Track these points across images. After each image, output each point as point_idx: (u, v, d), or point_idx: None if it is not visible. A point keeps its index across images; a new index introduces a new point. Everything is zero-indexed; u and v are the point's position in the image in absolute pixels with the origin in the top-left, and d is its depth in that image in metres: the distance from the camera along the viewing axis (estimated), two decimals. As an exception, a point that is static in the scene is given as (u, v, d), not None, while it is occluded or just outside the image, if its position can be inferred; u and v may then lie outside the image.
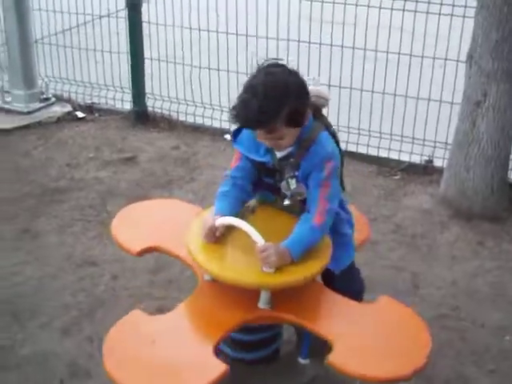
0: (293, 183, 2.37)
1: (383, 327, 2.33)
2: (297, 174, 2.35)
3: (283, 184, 2.40)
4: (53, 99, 5.36)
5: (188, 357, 2.16)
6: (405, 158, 4.55)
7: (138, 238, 2.65)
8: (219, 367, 2.08)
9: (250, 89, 2.21)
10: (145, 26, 5.07)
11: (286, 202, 2.43)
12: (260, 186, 2.51)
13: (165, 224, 2.76)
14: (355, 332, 2.28)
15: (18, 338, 2.96)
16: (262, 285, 2.26)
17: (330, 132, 2.44)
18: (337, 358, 2.12)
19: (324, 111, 2.51)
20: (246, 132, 2.39)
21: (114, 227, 2.73)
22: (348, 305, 2.39)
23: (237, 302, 2.34)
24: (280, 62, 2.31)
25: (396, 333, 2.30)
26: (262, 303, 2.31)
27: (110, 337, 2.21)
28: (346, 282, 2.53)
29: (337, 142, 2.46)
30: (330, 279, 2.52)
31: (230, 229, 2.37)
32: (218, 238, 2.37)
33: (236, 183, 2.43)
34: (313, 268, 2.30)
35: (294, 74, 2.27)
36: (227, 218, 2.32)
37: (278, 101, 2.18)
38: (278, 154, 2.35)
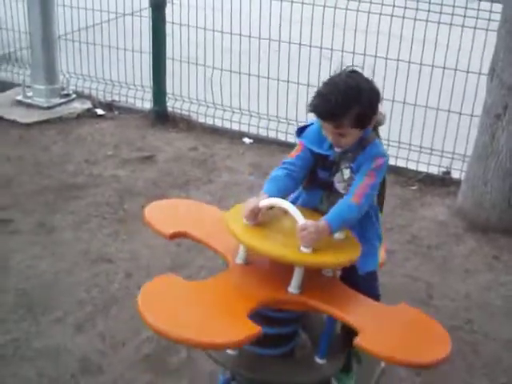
0: (347, 173, 2.51)
1: (406, 322, 2.40)
2: (352, 165, 2.49)
3: (337, 175, 2.54)
4: (73, 95, 5.41)
5: (223, 314, 2.23)
6: (423, 168, 4.55)
7: (170, 224, 2.70)
8: (254, 327, 2.13)
9: (332, 84, 2.41)
10: (167, 26, 5.09)
11: (342, 190, 2.54)
12: (313, 183, 2.62)
13: (195, 215, 2.84)
14: (381, 322, 2.35)
15: (32, 331, 2.98)
16: (298, 261, 2.31)
17: None
18: (364, 340, 2.17)
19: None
20: (312, 129, 2.55)
21: (147, 213, 2.76)
22: (372, 301, 2.46)
23: (268, 283, 2.39)
24: (358, 69, 2.52)
25: (419, 328, 2.36)
26: (293, 287, 2.35)
27: (142, 293, 2.24)
28: (368, 284, 2.62)
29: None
30: (353, 281, 2.57)
31: (271, 214, 2.45)
32: (260, 220, 2.44)
33: (290, 171, 2.55)
34: (346, 255, 2.39)
35: (371, 82, 2.45)
36: (271, 198, 2.40)
37: (352, 100, 2.36)
38: (338, 150, 2.50)
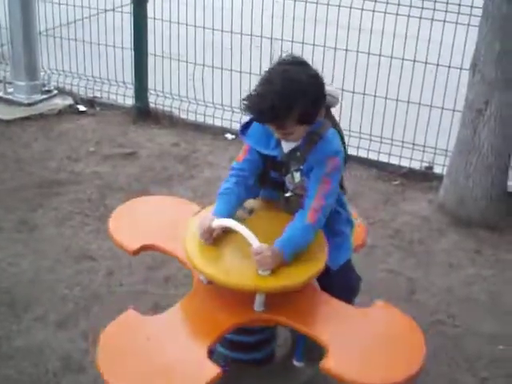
0: (297, 176, 2.38)
1: (378, 332, 2.33)
2: (302, 167, 2.37)
3: (288, 177, 2.42)
4: (54, 91, 5.37)
5: (182, 358, 2.16)
6: (405, 163, 4.55)
7: (135, 237, 2.64)
8: (213, 370, 2.08)
9: (267, 83, 2.23)
10: (149, 21, 5.07)
11: (288, 194, 2.44)
12: (266, 183, 2.53)
13: (162, 221, 2.76)
14: (350, 337, 2.28)
15: (13, 329, 2.97)
16: (258, 288, 2.26)
17: (337, 130, 2.46)
18: (331, 364, 2.12)
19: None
20: (255, 126, 2.40)
21: (111, 225, 2.72)
22: (343, 308, 2.39)
23: (232, 304, 2.34)
24: (301, 59, 2.33)
25: (390, 338, 2.31)
26: (258, 306, 2.31)
27: (104, 335, 2.21)
28: (342, 277, 2.54)
29: (343, 141, 2.48)
30: (327, 274, 2.48)
31: (227, 230, 2.36)
32: (215, 238, 2.37)
33: (240, 179, 2.44)
34: (309, 271, 2.30)
35: (313, 75, 2.28)
36: (224, 219, 2.32)
37: (292, 99, 2.19)
38: (285, 148, 2.37)
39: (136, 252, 2.60)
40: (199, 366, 2.10)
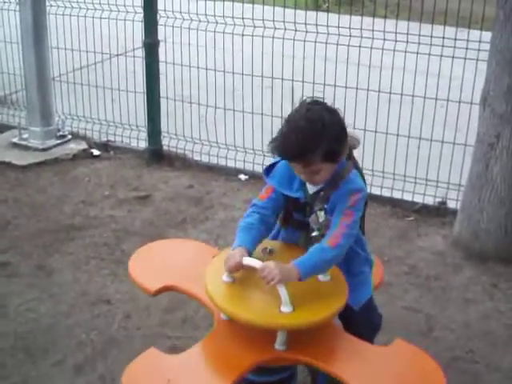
0: (322, 215, 2.42)
1: (397, 369, 2.33)
2: (326, 206, 2.41)
3: (312, 217, 2.45)
4: (69, 136, 5.43)
5: None
6: (418, 199, 4.56)
7: (155, 277, 2.66)
8: None
9: (291, 123, 2.32)
10: (160, 64, 5.13)
11: (314, 234, 2.45)
12: (289, 223, 2.55)
13: (181, 263, 2.79)
14: (371, 375, 2.28)
15: (32, 375, 2.97)
16: (278, 326, 2.26)
17: (359, 172, 2.54)
18: None
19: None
20: (279, 167, 2.47)
21: (130, 267, 2.74)
22: (364, 347, 2.39)
23: (253, 342, 2.34)
24: (320, 100, 2.42)
25: (411, 377, 2.30)
26: (279, 344, 2.31)
27: (125, 374, 2.22)
28: (365, 316, 2.57)
29: (364, 182, 2.53)
30: (350, 315, 2.52)
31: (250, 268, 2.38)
32: (238, 275, 2.39)
33: (262, 216, 2.46)
34: (330, 308, 2.31)
35: (333, 112, 2.35)
36: (254, 260, 2.33)
37: (316, 137, 2.26)
38: (310, 190, 2.42)
39: (156, 293, 2.61)
40: None
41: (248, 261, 2.33)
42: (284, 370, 2.56)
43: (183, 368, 2.29)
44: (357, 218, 2.39)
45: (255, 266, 2.30)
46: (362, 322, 2.54)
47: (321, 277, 2.40)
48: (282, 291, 2.23)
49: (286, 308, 2.24)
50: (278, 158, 2.46)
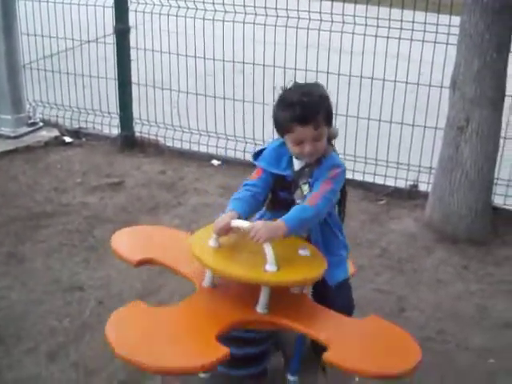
0: (306, 189, 2.59)
1: (375, 334, 2.43)
2: (310, 181, 2.58)
3: (297, 192, 2.62)
4: (40, 124, 5.39)
5: (191, 339, 2.26)
6: (390, 182, 4.59)
7: (136, 251, 2.74)
8: (222, 349, 2.16)
9: (297, 92, 2.55)
10: (132, 51, 5.11)
11: (298, 201, 2.60)
12: (275, 203, 2.70)
13: (160, 240, 2.88)
14: (349, 335, 2.40)
15: (4, 363, 2.95)
16: (263, 281, 2.35)
17: None
18: (333, 355, 2.21)
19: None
20: (267, 151, 2.67)
21: (113, 242, 2.80)
22: (341, 316, 2.48)
23: (236, 304, 2.42)
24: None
25: (387, 340, 2.40)
26: (261, 307, 2.38)
27: (110, 321, 2.30)
28: (341, 295, 2.67)
29: None
30: (326, 291, 2.63)
31: (236, 235, 2.50)
32: (224, 242, 2.49)
33: (253, 193, 2.62)
34: (311, 271, 2.42)
35: (321, 86, 2.65)
36: (243, 221, 2.45)
37: (319, 101, 2.54)
38: (296, 166, 2.61)
39: (138, 264, 2.67)
40: (208, 344, 2.19)
41: (237, 222, 2.45)
42: (256, 364, 2.63)
43: (166, 320, 2.35)
44: (336, 188, 2.57)
45: (243, 226, 2.42)
46: (337, 300, 2.62)
47: (301, 251, 2.48)
48: (268, 250, 2.33)
49: (271, 267, 2.33)
50: (264, 146, 2.71)
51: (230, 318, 2.35)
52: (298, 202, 2.61)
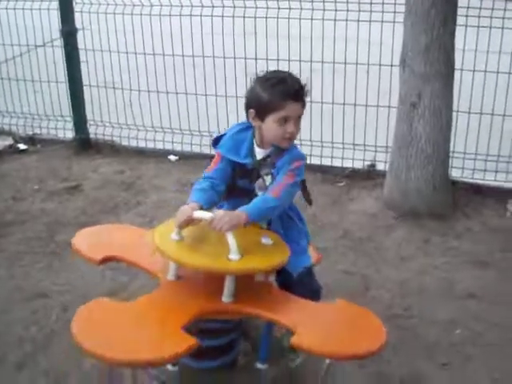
0: (268, 179, 2.60)
1: (341, 317, 2.47)
2: (272, 171, 2.58)
3: (259, 182, 2.62)
4: (-7, 133, 5.33)
5: (157, 331, 2.26)
6: (348, 164, 4.61)
7: (98, 250, 2.73)
8: (189, 340, 2.17)
9: (279, 73, 2.64)
10: (81, 52, 5.06)
11: (260, 193, 2.61)
12: (233, 192, 2.68)
13: (124, 238, 2.88)
14: (315, 319, 2.41)
15: (-28, 376, 2.92)
16: (226, 270, 2.36)
17: None
18: (300, 340, 2.23)
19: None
20: (227, 138, 2.66)
21: (74, 242, 2.79)
22: (306, 301, 2.50)
23: (201, 295, 2.44)
24: None
25: (353, 322, 2.44)
26: (226, 296, 2.39)
27: (75, 320, 2.28)
28: (305, 282, 2.68)
29: None
30: (288, 280, 2.64)
31: (198, 227, 2.50)
32: (187, 234, 2.50)
33: (212, 184, 2.61)
34: (274, 259, 2.44)
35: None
36: (205, 212, 2.45)
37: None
38: (258, 156, 2.61)
39: (101, 262, 2.68)
40: (174, 335, 2.20)
41: (198, 214, 2.45)
42: (225, 355, 2.65)
43: (131, 313, 2.35)
44: (297, 181, 2.59)
45: (205, 217, 2.43)
46: (300, 288, 2.62)
47: (264, 240, 2.50)
48: (231, 239, 2.35)
49: (234, 255, 2.35)
50: (223, 132, 2.71)
51: (196, 308, 2.36)
52: (258, 192, 2.61)
